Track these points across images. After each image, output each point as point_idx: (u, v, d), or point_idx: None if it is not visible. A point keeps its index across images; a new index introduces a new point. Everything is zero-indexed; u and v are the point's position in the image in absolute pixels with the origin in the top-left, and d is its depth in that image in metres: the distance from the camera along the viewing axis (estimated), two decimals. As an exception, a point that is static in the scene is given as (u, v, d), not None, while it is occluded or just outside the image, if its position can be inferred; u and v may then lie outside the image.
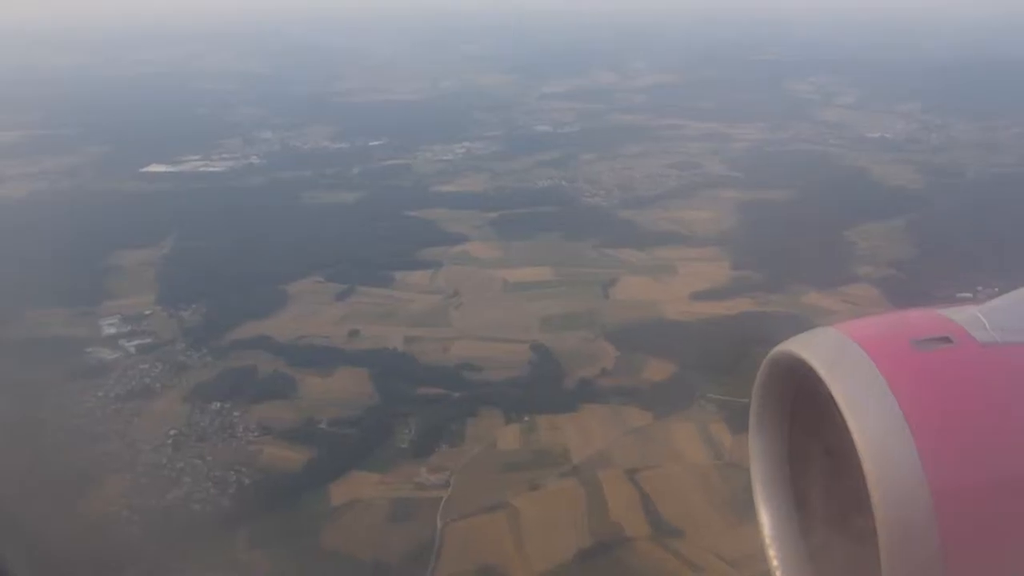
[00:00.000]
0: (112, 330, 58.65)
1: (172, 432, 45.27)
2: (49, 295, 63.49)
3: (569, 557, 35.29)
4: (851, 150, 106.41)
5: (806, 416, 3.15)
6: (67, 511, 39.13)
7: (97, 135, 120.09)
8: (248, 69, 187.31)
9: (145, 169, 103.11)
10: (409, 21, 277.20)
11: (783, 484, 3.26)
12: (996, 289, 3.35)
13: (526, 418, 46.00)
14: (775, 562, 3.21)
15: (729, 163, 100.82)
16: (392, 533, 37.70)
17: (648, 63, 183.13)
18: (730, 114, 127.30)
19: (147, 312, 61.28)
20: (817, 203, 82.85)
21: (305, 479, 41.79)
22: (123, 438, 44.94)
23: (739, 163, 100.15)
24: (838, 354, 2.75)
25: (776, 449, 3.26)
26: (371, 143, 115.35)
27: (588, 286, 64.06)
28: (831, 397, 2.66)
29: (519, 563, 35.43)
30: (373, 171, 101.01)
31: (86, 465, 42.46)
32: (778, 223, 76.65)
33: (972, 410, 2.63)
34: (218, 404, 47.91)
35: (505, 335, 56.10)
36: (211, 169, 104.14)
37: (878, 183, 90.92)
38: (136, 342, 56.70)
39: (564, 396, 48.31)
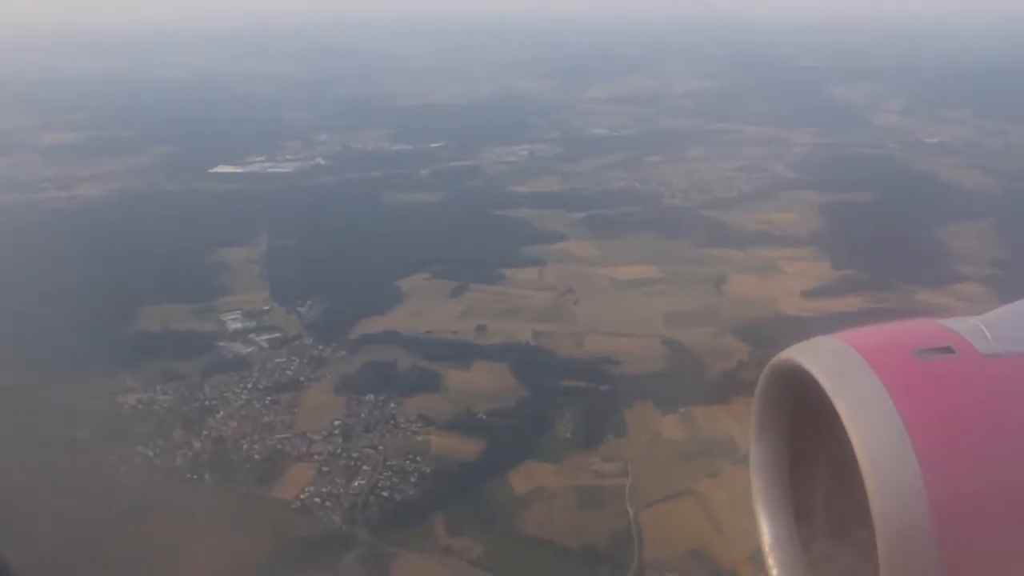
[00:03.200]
0: (237, 325, 59.18)
1: (336, 423, 45.88)
2: (164, 291, 64.32)
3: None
4: (913, 154, 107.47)
5: (806, 425, 3.14)
6: (265, 498, 39.79)
7: (154, 137, 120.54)
8: (283, 73, 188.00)
9: (214, 170, 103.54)
10: (434, 28, 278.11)
11: (783, 493, 3.25)
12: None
13: (681, 409, 46.59)
14: (774, 570, 3.21)
15: (795, 167, 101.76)
16: (586, 520, 38.29)
17: (683, 69, 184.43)
18: (782, 119, 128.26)
19: (265, 308, 61.81)
20: (898, 205, 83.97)
21: (481, 468, 42.40)
22: (291, 428, 45.47)
23: (805, 167, 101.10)
24: (839, 363, 2.75)
25: (776, 457, 3.26)
26: (431, 145, 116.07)
27: (698, 284, 64.77)
28: (832, 406, 2.66)
29: (722, 547, 36.02)
30: (443, 172, 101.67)
31: (266, 455, 42.97)
32: (866, 224, 77.64)
33: (973, 420, 2.61)
34: (371, 396, 48.41)
35: (633, 330, 56.74)
36: (279, 170, 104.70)
37: (952, 186, 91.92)
38: (265, 337, 57.19)
39: (711, 388, 48.93)
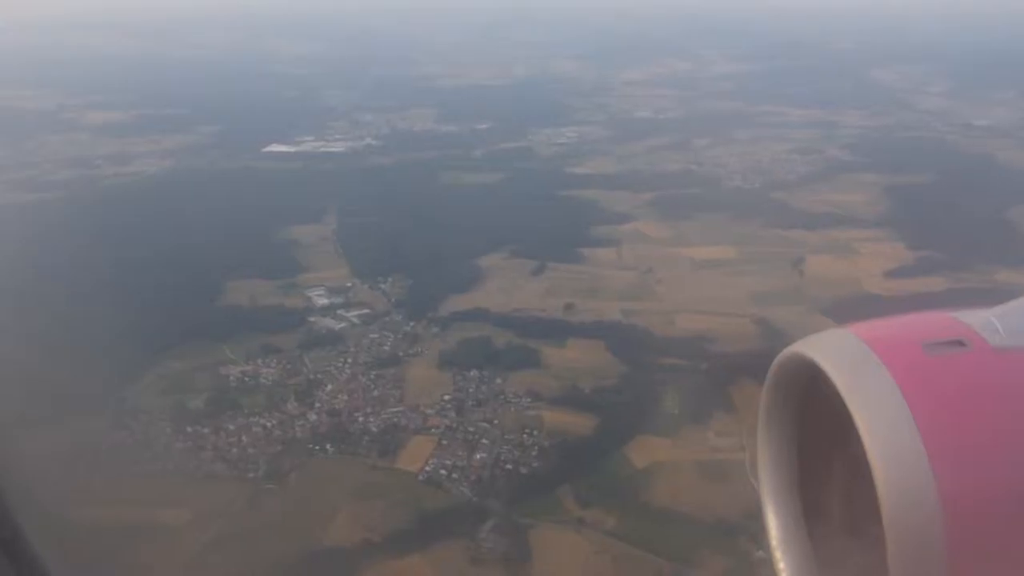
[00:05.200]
0: (324, 301, 59.57)
1: (447, 397, 46.29)
2: (244, 267, 64.77)
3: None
4: (964, 137, 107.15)
5: (815, 419, 3.09)
6: (391, 469, 40.30)
7: (199, 116, 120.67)
8: (312, 53, 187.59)
9: (267, 149, 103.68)
10: (456, 11, 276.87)
11: (791, 488, 3.20)
12: None
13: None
14: (783, 567, 3.16)
15: (849, 149, 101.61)
16: (713, 493, 38.59)
17: (717, 51, 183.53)
18: (825, 102, 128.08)
19: (348, 284, 62.18)
20: (960, 186, 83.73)
21: (597, 443, 42.79)
22: (402, 402, 45.91)
23: (859, 149, 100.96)
24: (849, 357, 2.72)
25: (784, 453, 3.22)
26: (478, 126, 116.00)
27: (777, 264, 64.93)
28: (841, 400, 2.63)
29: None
30: (495, 154, 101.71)
31: (383, 427, 43.45)
32: (933, 206, 77.65)
33: (984, 415, 2.59)
34: (475, 372, 48.77)
35: (722, 309, 56.94)
36: (331, 149, 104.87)
37: (1011, 167, 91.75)
38: (355, 313, 57.56)
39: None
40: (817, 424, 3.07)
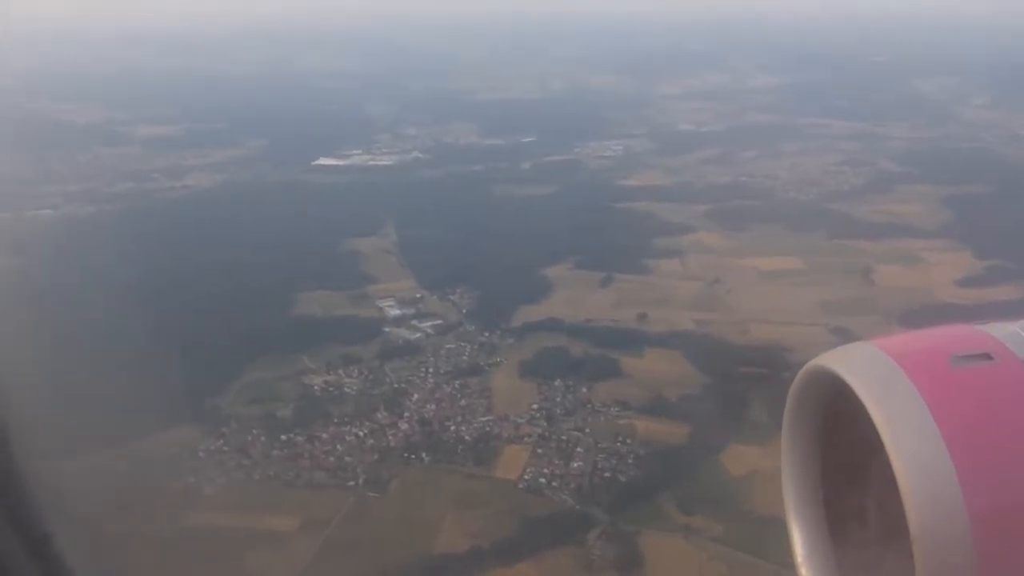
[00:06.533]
0: (396, 312, 59.87)
1: (535, 406, 46.39)
2: (311, 278, 65.19)
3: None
4: (1015, 148, 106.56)
5: (840, 433, 3.02)
6: (490, 478, 40.39)
7: (245, 130, 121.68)
8: (349, 69, 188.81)
9: (316, 162, 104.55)
10: (486, 26, 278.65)
11: (816, 503, 3.13)
12: None
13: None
14: None
15: (898, 160, 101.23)
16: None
17: (750, 64, 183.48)
18: (868, 114, 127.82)
19: (417, 296, 62.46)
20: (1018, 196, 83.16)
21: (691, 451, 42.82)
22: (491, 411, 46.04)
23: (909, 160, 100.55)
24: (875, 370, 2.66)
25: (809, 467, 3.15)
26: (522, 140, 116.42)
27: (845, 274, 64.77)
28: (867, 414, 2.57)
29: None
30: (543, 167, 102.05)
31: (476, 436, 43.59)
32: (993, 215, 77.07)
33: (1012, 429, 2.52)
34: (559, 381, 48.85)
35: (795, 319, 56.82)
36: (379, 163, 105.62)
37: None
38: (428, 324, 57.81)
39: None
40: (842, 437, 3.00)
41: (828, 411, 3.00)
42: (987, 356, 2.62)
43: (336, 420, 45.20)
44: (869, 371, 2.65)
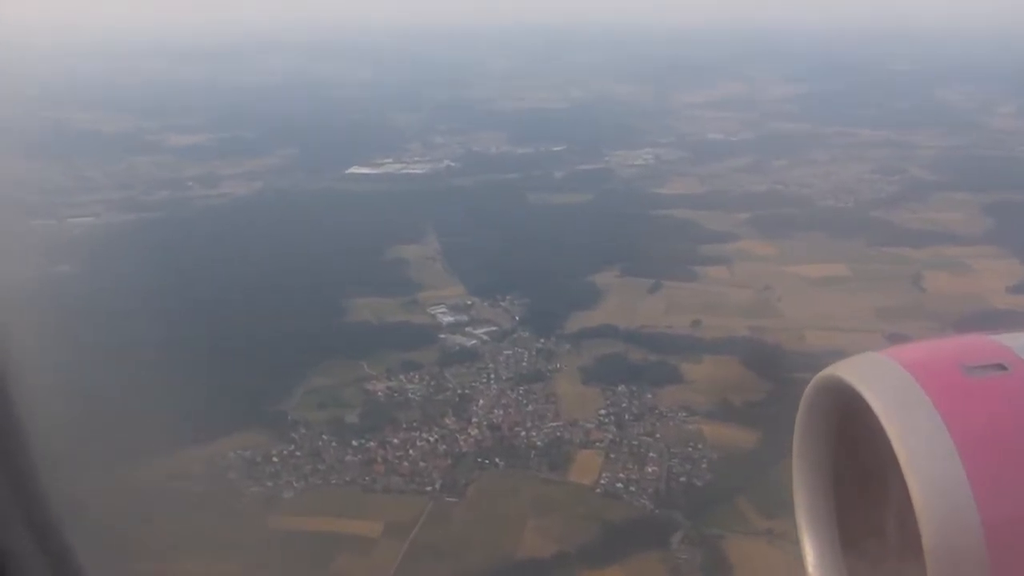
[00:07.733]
0: (449, 318, 60.02)
1: (602, 412, 46.46)
2: (360, 285, 65.39)
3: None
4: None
5: (852, 443, 3.00)
6: (566, 483, 40.50)
7: (275, 139, 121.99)
8: (372, 79, 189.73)
9: (349, 171, 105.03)
10: (501, 36, 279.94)
11: (827, 512, 3.11)
12: None
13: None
14: None
15: (931, 168, 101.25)
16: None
17: (770, 74, 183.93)
18: (894, 122, 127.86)
19: (468, 302, 62.59)
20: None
21: (763, 455, 42.58)
22: (559, 417, 46.12)
23: (942, 168, 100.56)
24: (887, 380, 2.64)
25: (820, 477, 3.13)
26: (553, 148, 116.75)
27: (894, 281, 64.81)
28: (879, 424, 2.57)
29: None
30: (576, 175, 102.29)
31: (547, 442, 43.71)
32: (1037, 223, 77.05)
33: None
34: (623, 387, 48.93)
35: (849, 326, 56.79)
36: (412, 171, 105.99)
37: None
38: (482, 330, 57.90)
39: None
40: (854, 448, 2.98)
41: (840, 420, 3.01)
42: (1001, 366, 2.62)
43: (405, 426, 45.26)
44: (881, 380, 2.65)
